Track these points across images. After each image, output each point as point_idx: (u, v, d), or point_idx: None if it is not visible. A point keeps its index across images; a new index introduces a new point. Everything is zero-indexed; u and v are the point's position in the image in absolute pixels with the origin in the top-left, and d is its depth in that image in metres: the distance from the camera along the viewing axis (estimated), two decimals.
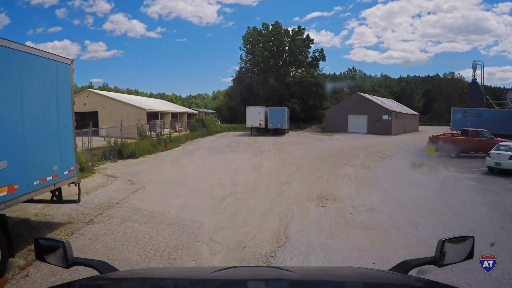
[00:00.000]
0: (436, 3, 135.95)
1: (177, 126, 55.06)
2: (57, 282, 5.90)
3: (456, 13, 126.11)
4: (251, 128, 46.04)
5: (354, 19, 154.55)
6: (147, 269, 4.07)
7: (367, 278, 2.13)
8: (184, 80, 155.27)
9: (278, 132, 45.60)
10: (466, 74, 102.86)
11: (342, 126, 52.72)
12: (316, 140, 38.30)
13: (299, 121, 61.61)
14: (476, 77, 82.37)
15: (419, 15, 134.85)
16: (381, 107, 51.72)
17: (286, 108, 46.03)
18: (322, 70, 70.28)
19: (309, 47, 69.70)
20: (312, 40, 69.48)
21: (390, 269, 2.30)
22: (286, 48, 68.59)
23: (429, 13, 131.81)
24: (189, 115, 61.78)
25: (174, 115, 59.54)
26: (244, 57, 71.62)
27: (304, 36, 68.78)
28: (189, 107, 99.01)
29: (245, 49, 70.99)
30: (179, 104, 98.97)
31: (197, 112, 73.35)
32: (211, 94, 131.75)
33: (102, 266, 2.26)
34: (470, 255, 2.25)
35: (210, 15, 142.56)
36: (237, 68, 73.12)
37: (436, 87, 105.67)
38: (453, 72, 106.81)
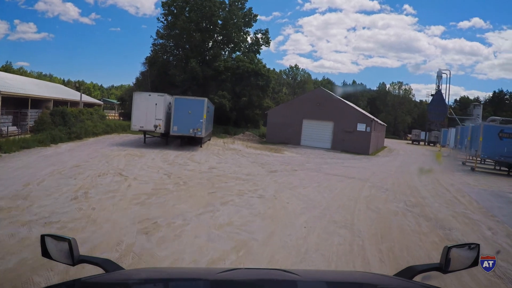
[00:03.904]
0: (372, 19, 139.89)
1: None
2: None
3: (390, 31, 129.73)
4: (144, 132, 24.40)
5: (291, 26, 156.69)
6: (152, 269, 2.94)
7: (372, 283, 2.09)
8: (112, 70, 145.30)
9: (194, 140, 24.64)
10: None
11: (292, 136, 32.69)
12: (260, 167, 17.52)
13: (228, 123, 41.04)
14: (441, 87, 66.90)
15: (354, 29, 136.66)
16: (357, 112, 32.36)
17: (205, 99, 24.26)
18: (263, 60, 49.63)
19: (251, 26, 48.75)
20: (256, 16, 48.52)
21: (395, 275, 2.18)
22: (220, 22, 47.00)
23: (364, 28, 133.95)
24: (92, 106, 39.93)
25: (63, 104, 36.44)
26: (161, 32, 48.93)
27: (246, 10, 47.81)
28: (108, 98, 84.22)
29: (164, 21, 48.36)
30: (97, 95, 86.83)
31: (102, 103, 50.81)
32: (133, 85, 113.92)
33: (108, 265, 2.12)
34: (475, 263, 2.15)
35: (147, 7, 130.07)
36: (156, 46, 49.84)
37: (381, 97, 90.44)
38: (401, 82, 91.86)
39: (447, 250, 2.09)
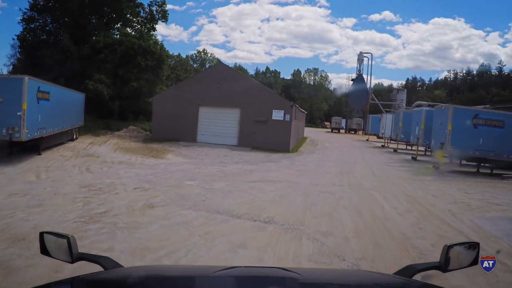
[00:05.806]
0: (286, 10, 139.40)
1: None
2: None
3: (303, 22, 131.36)
4: None
5: (204, 16, 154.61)
6: (151, 267, 2.81)
7: (371, 282, 2.01)
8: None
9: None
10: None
11: (186, 129, 23.33)
12: (82, 203, 7.78)
13: (111, 117, 30.62)
14: (361, 71, 61.17)
15: (268, 20, 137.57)
16: (272, 95, 23.79)
17: (25, 78, 13.62)
18: (162, 41, 39.00)
19: None
20: None
21: (394, 273, 2.04)
22: None
23: (277, 19, 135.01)
24: None
25: None
26: (34, 3, 35.62)
27: None
28: None
29: None
30: None
31: None
32: None
33: (107, 262, 2.00)
34: (474, 261, 2.03)
35: None
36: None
37: (296, 84, 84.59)
38: (317, 69, 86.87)
39: (447, 248, 1.95)
